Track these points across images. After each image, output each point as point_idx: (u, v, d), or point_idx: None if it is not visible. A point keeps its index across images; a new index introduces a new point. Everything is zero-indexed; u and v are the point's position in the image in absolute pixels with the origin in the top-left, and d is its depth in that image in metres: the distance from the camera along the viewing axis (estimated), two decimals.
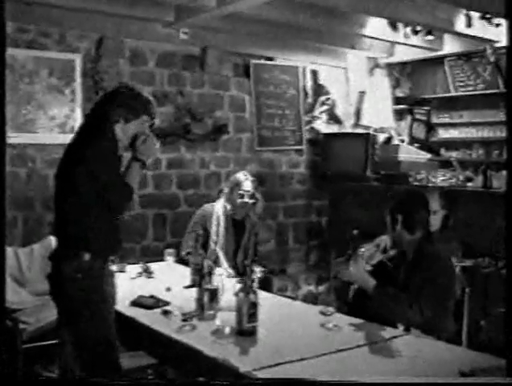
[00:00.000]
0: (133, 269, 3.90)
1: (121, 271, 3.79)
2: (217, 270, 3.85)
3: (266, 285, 4.04)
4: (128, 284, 3.57)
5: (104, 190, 2.67)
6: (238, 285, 2.72)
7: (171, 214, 5.55)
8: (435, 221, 4.59)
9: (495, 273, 4.37)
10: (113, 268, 3.01)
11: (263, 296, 2.98)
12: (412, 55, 6.35)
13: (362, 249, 3.01)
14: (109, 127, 2.76)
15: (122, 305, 3.00)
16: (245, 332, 2.56)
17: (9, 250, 4.32)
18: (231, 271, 4.14)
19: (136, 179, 2.82)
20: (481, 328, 4.26)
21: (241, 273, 4.15)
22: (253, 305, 2.56)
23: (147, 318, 2.87)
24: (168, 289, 3.39)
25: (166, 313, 2.90)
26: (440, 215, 4.98)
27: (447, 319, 2.92)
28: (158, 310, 2.96)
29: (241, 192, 4.29)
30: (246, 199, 4.30)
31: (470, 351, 2.63)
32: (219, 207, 4.36)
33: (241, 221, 4.40)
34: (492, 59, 5.73)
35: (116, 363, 2.73)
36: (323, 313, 2.76)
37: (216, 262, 4.14)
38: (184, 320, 2.73)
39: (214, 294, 2.88)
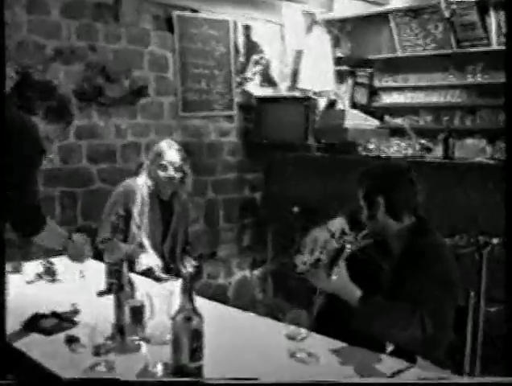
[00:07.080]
0: (31, 269, 3.02)
1: (15, 272, 2.95)
2: (143, 257, 3.40)
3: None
4: (22, 292, 2.69)
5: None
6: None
7: (82, 192, 4.75)
8: None
9: (475, 253, 3.76)
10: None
11: (200, 304, 2.14)
12: (354, 10, 5.87)
13: (348, 246, 2.25)
14: None
15: (11, 329, 2.11)
16: (185, 373, 1.79)
17: None
18: (159, 261, 3.45)
19: None
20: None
21: (169, 263, 3.54)
22: (198, 336, 1.79)
23: (45, 350, 2.04)
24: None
25: (71, 341, 2.08)
26: None
27: (448, 334, 2.25)
28: (61, 336, 2.14)
29: (163, 163, 3.53)
30: (172, 173, 3.54)
31: None
32: (142, 184, 3.60)
33: (169, 201, 3.66)
34: (447, 14, 5.20)
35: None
36: (291, 337, 2.01)
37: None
38: (97, 354, 1.92)
39: (139, 313, 2.09)
